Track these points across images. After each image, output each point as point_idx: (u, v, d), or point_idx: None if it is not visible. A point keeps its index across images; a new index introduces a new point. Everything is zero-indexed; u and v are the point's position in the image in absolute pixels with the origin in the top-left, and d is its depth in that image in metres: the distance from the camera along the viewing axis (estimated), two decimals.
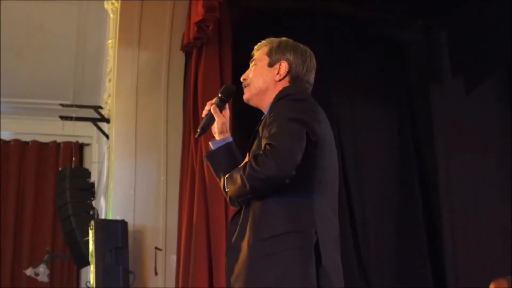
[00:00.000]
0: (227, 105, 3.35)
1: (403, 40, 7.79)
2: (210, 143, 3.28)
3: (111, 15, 7.87)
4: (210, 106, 3.29)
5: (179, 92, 7.37)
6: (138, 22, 7.28)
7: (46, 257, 8.67)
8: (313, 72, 3.36)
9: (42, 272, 8.52)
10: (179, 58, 7.39)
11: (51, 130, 10.22)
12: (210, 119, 3.28)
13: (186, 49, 7.25)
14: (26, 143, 10.43)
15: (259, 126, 3.18)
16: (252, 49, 3.45)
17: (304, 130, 2.98)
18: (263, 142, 3.01)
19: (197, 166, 6.66)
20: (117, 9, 7.57)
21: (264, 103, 3.26)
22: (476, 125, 7.66)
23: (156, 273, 7.03)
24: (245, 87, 3.32)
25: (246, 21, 7.24)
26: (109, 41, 8.10)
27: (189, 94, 6.98)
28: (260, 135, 3.11)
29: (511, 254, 7.29)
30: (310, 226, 2.98)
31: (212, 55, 6.94)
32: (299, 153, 2.93)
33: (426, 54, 7.77)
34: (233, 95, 3.35)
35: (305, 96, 3.18)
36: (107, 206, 7.51)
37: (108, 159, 7.83)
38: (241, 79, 3.35)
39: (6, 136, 10.38)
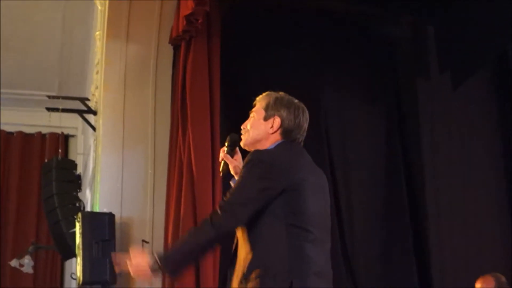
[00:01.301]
0: (237, 149, 3.86)
1: (391, 35, 7.81)
2: (231, 183, 3.80)
3: (99, 7, 7.85)
4: (223, 154, 3.84)
5: (167, 85, 7.36)
6: (127, 15, 7.26)
7: (30, 248, 8.63)
8: (305, 124, 3.74)
9: (27, 263, 8.49)
10: (168, 51, 7.38)
11: (36, 121, 10.17)
12: (226, 164, 3.85)
13: (175, 42, 7.24)
14: (11, 133, 10.38)
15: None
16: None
17: (259, 192, 3.45)
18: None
19: (185, 159, 6.67)
20: (105, 1, 7.55)
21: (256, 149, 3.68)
22: (463, 120, 7.71)
23: None
24: (243, 134, 3.75)
25: (235, 15, 7.25)
26: (97, 33, 8.07)
27: (177, 87, 6.98)
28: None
29: (496, 245, 7.37)
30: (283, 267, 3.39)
31: (200, 49, 6.94)
32: (246, 208, 3.44)
33: (413, 50, 7.82)
34: (238, 141, 3.80)
35: (267, 157, 3.54)
36: (94, 198, 7.50)
37: (95, 151, 7.81)
38: (241, 127, 3.76)
39: None
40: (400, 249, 7.42)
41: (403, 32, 7.82)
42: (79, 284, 6.94)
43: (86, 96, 8.66)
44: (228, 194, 3.52)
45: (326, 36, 7.56)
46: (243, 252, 3.48)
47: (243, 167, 3.56)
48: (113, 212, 6.90)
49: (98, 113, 7.77)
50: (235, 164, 3.81)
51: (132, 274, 3.43)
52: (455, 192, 7.63)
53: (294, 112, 3.69)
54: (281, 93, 3.78)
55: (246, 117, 3.78)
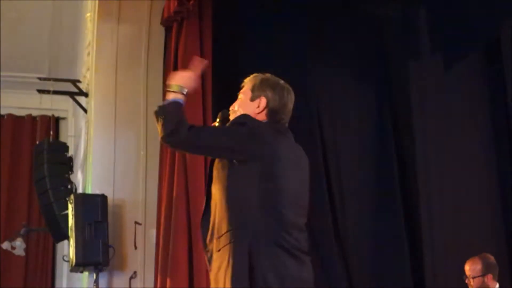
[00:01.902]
0: None
1: (383, 16, 7.78)
2: None
3: None
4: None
5: (159, 66, 7.35)
6: None
7: (22, 230, 8.62)
8: (290, 105, 3.93)
9: (18, 246, 8.48)
10: (159, 32, 7.38)
11: (26, 103, 10.12)
12: None
13: (167, 24, 7.23)
14: (1, 116, 10.33)
15: None
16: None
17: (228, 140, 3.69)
18: None
19: None
20: None
21: None
22: (454, 101, 7.71)
23: (135, 247, 7.05)
24: (230, 115, 3.92)
25: None
26: (88, 14, 8.03)
27: (170, 69, 6.95)
28: None
29: (486, 228, 7.40)
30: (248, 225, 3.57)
31: (192, 30, 6.94)
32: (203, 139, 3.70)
33: (405, 31, 7.79)
34: (229, 118, 3.92)
35: (250, 122, 3.74)
36: (86, 180, 7.49)
37: (87, 133, 7.80)
38: (230, 108, 3.94)
39: None
40: (391, 231, 7.44)
41: (395, 12, 7.79)
42: (71, 265, 6.95)
43: (77, 78, 8.63)
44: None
45: (318, 17, 7.55)
46: (216, 211, 3.68)
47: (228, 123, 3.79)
48: (105, 194, 6.91)
49: (90, 95, 7.74)
50: None
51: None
52: (446, 172, 7.64)
53: (279, 93, 3.87)
54: (267, 75, 3.95)
55: (236, 97, 3.95)
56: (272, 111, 3.84)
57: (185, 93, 3.76)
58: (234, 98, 3.99)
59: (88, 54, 7.93)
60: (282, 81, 3.95)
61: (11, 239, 8.56)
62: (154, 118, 3.73)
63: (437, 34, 7.63)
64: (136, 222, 7.08)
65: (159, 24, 7.33)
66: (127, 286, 6.97)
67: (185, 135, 3.62)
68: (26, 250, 8.71)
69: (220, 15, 7.07)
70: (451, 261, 7.15)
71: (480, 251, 6.35)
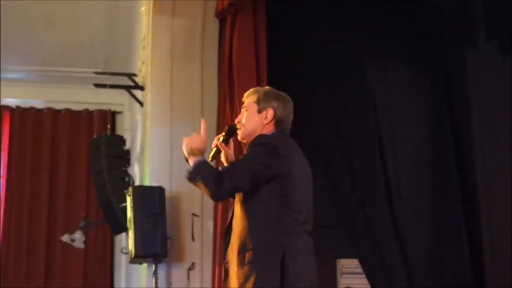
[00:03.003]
0: (231, 140, 4.23)
1: (438, 4, 7.70)
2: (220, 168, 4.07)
3: None
4: (218, 141, 4.16)
5: (214, 58, 7.39)
6: None
7: (82, 223, 8.75)
8: (292, 114, 4.18)
9: (78, 238, 8.61)
10: (214, 24, 7.40)
11: (83, 98, 10.24)
12: (218, 151, 4.16)
13: (221, 16, 7.25)
14: (59, 111, 10.47)
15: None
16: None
17: (260, 165, 3.85)
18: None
19: None
20: None
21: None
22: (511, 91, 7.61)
23: (193, 239, 7.10)
24: (239, 128, 4.14)
25: None
26: (142, 8, 8.09)
27: (224, 61, 6.99)
28: None
29: None
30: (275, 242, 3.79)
31: (246, 22, 6.93)
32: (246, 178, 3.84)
33: (461, 19, 7.70)
34: (235, 132, 4.19)
35: (271, 141, 3.97)
36: (143, 173, 7.56)
37: (143, 126, 7.87)
38: (235, 121, 4.19)
39: (39, 104, 10.42)
40: (449, 221, 7.38)
41: (451, 0, 7.70)
42: (130, 257, 7.02)
43: (133, 72, 8.70)
44: (233, 163, 4.00)
45: (371, 5, 7.50)
46: (239, 227, 3.88)
47: (248, 147, 3.97)
48: (163, 186, 6.96)
49: (146, 88, 7.80)
50: (229, 152, 4.17)
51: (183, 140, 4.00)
52: (505, 163, 7.54)
53: (283, 103, 4.11)
54: (267, 87, 4.24)
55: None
56: (279, 121, 4.07)
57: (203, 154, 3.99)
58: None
59: (144, 47, 7.99)
60: (282, 93, 4.18)
61: (71, 231, 8.70)
62: (190, 183, 3.93)
63: (494, 22, 7.51)
64: (193, 214, 7.13)
65: (213, 17, 7.36)
66: (186, 277, 7.03)
67: (229, 184, 3.81)
68: (85, 242, 8.83)
69: (274, 6, 7.06)
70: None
71: None
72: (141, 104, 8.18)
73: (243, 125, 4.11)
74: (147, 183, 7.23)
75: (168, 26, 7.38)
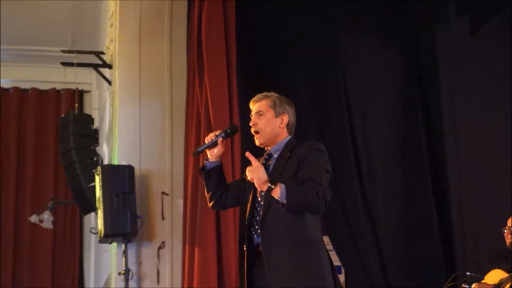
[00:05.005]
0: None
1: None
2: (206, 162, 4.27)
3: None
4: (214, 135, 4.23)
5: (182, 36, 7.32)
6: None
7: (50, 203, 8.67)
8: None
9: (46, 218, 8.54)
10: (182, 2, 7.33)
11: (50, 77, 10.15)
12: (213, 145, 4.21)
13: None
14: (26, 90, 10.36)
15: (288, 158, 4.13)
16: None
17: (328, 172, 4.10)
18: (306, 174, 4.04)
19: (202, 109, 6.63)
20: None
21: (274, 143, 4.23)
22: (480, 64, 7.64)
23: (163, 218, 7.06)
24: (256, 133, 4.23)
25: None
26: None
27: (193, 38, 6.92)
28: (296, 165, 4.09)
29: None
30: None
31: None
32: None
33: None
34: (236, 133, 4.34)
35: (323, 147, 4.18)
36: (112, 152, 7.50)
37: (112, 105, 7.79)
38: (250, 124, 4.24)
39: (5, 83, 10.31)
40: (420, 193, 7.42)
41: None
42: (100, 237, 6.97)
43: (101, 50, 8.61)
44: (311, 172, 4.02)
45: None
46: (287, 223, 4.01)
47: (310, 152, 4.09)
48: (132, 165, 6.91)
49: (114, 67, 7.72)
50: (222, 150, 4.24)
51: (248, 173, 3.99)
52: (473, 134, 7.59)
53: (292, 107, 4.29)
54: (273, 93, 4.31)
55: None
56: (291, 125, 4.27)
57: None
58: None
59: (111, 25, 7.90)
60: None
61: (39, 212, 8.62)
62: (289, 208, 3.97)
63: None
64: (163, 193, 7.09)
65: None
66: (156, 256, 7.00)
67: (328, 195, 3.99)
68: (53, 222, 8.76)
69: None
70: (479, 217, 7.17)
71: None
72: (109, 82, 8.10)
73: (262, 129, 4.22)
74: (116, 162, 7.17)
75: (136, 4, 7.31)
